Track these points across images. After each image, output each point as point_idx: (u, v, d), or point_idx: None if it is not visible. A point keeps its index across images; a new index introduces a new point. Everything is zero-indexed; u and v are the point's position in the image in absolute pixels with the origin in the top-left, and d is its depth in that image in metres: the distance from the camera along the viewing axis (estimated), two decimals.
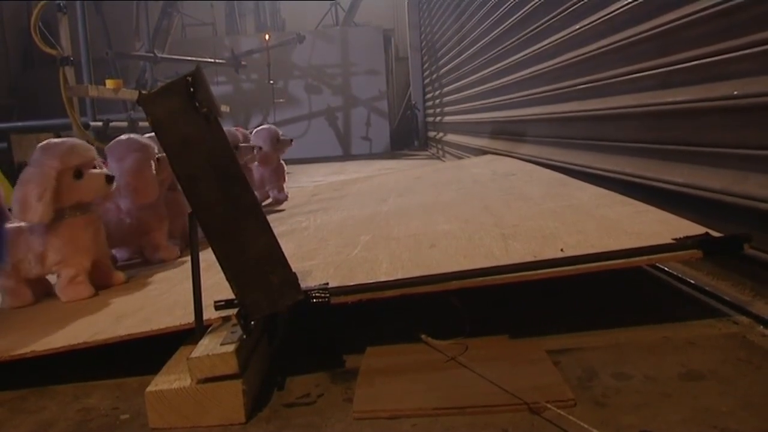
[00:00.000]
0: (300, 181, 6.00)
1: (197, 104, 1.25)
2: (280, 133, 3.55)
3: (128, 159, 2.19)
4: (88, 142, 4.88)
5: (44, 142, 1.93)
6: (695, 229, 1.50)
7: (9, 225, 1.95)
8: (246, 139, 3.33)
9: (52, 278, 2.02)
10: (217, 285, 1.57)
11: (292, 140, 3.63)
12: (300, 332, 1.69)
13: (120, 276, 2.05)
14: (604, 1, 2.55)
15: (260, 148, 3.28)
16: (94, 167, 1.95)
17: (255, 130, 3.54)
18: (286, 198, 3.63)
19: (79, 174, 1.89)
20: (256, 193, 3.42)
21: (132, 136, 2.30)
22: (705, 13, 1.82)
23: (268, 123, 4.43)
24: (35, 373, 1.53)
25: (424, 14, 9.58)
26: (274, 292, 1.29)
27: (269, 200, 3.63)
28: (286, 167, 3.72)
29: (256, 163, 3.39)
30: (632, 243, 1.46)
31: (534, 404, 1.15)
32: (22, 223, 1.94)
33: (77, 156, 1.89)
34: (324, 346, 1.59)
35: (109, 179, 1.95)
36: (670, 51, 2.04)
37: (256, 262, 1.28)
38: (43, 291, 2.02)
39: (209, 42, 11.07)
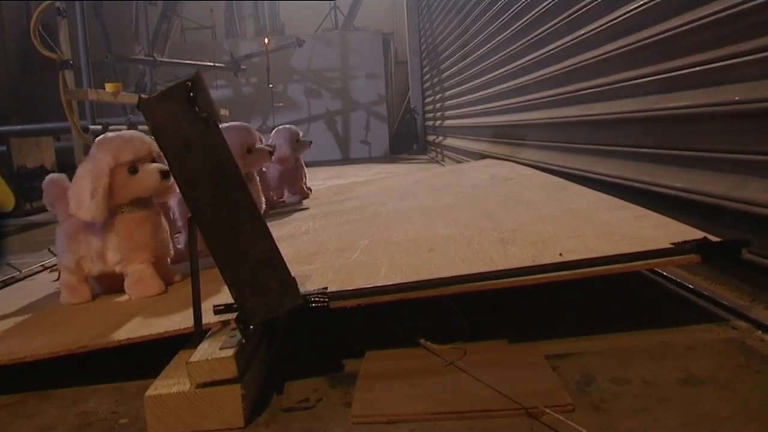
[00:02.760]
0: None
1: (197, 109, 1.25)
2: (300, 134, 3.55)
3: None
4: (87, 145, 4.86)
5: (101, 137, 1.88)
6: (694, 233, 1.50)
7: (70, 220, 1.91)
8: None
9: None
10: (216, 289, 1.57)
11: (311, 142, 3.63)
12: (299, 336, 1.69)
13: (178, 275, 1.98)
14: (607, 8, 2.56)
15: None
16: (154, 160, 1.89)
17: (274, 129, 3.54)
18: (300, 201, 3.63)
19: (134, 169, 1.83)
20: (271, 193, 3.46)
21: None
22: (708, 20, 1.83)
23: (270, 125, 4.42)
24: (35, 376, 1.53)
25: (424, 18, 9.60)
26: (274, 296, 1.29)
27: (282, 199, 3.63)
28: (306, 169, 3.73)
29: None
30: (631, 248, 1.46)
31: (532, 409, 1.15)
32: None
33: (131, 151, 1.83)
34: (323, 351, 1.59)
35: (165, 174, 1.86)
36: (673, 57, 2.05)
37: (255, 266, 1.28)
38: (112, 287, 1.95)
39: (208, 46, 11.07)
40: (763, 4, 1.59)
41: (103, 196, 1.77)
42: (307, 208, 3.30)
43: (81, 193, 1.76)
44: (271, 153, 2.49)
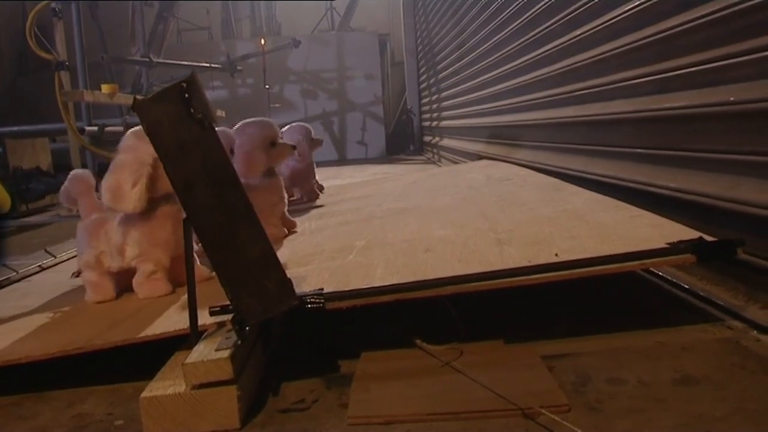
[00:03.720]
0: None
1: (192, 110, 1.25)
2: (312, 131, 3.52)
3: None
4: (83, 146, 4.83)
5: (137, 128, 1.82)
6: (689, 233, 1.51)
7: (92, 216, 1.89)
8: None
9: None
10: (212, 291, 1.57)
11: (322, 141, 3.62)
12: (295, 337, 1.69)
13: (204, 271, 1.89)
14: (602, 9, 2.56)
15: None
16: None
17: (287, 126, 3.49)
18: (313, 199, 3.62)
19: None
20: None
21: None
22: (702, 21, 1.83)
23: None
24: (30, 378, 1.53)
25: (420, 19, 9.60)
26: (269, 297, 1.29)
27: (294, 198, 3.62)
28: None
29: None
30: (626, 248, 1.46)
31: (528, 409, 1.15)
32: (105, 214, 1.88)
33: None
34: (319, 352, 1.59)
35: None
36: (668, 57, 2.05)
37: (251, 267, 1.28)
38: (129, 284, 1.91)
39: (205, 46, 11.06)
40: (758, 5, 1.59)
41: (145, 186, 1.74)
42: (321, 206, 3.28)
43: (120, 184, 1.73)
44: (294, 147, 2.49)
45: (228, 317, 1.32)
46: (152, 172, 1.76)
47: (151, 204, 1.81)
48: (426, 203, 2.71)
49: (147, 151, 1.75)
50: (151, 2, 8.24)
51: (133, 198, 1.73)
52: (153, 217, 1.82)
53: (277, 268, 1.30)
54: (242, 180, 2.24)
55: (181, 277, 1.84)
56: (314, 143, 3.50)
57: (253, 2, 12.72)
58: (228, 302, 1.30)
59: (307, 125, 3.51)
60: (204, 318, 1.39)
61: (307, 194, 3.61)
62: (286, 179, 3.42)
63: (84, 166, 5.15)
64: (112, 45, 7.96)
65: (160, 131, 1.27)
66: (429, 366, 1.38)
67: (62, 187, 2.05)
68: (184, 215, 1.76)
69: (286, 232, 2.49)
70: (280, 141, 2.41)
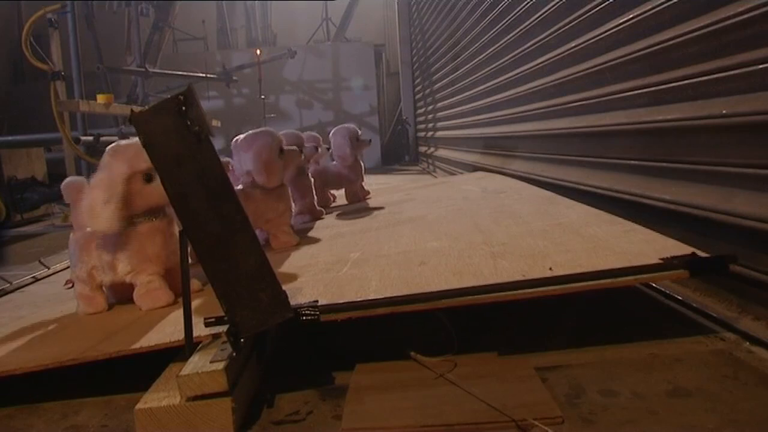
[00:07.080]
0: None
1: (189, 123, 1.26)
2: (359, 132, 3.54)
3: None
4: (78, 156, 4.83)
5: (113, 145, 1.81)
6: (682, 248, 1.51)
7: (83, 231, 1.87)
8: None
9: None
10: (207, 302, 1.57)
11: (370, 141, 3.64)
12: (290, 349, 1.69)
13: (195, 284, 1.87)
14: (596, 21, 2.58)
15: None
16: None
17: (334, 128, 3.52)
18: (366, 196, 3.65)
19: (149, 177, 1.76)
20: (331, 193, 3.52)
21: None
22: (695, 34, 1.85)
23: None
24: (23, 390, 1.52)
25: (416, 30, 9.64)
26: (264, 309, 1.29)
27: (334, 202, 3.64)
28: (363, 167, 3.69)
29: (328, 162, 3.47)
30: (620, 262, 1.47)
31: (522, 421, 1.15)
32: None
33: (146, 159, 1.70)
34: (313, 363, 1.59)
35: None
36: (661, 70, 2.07)
37: (246, 279, 1.29)
38: (126, 296, 1.90)
39: (200, 57, 11.07)
40: (750, 20, 1.61)
41: (117, 206, 1.71)
42: (382, 207, 3.27)
43: (94, 204, 1.71)
44: (301, 153, 2.51)
45: (223, 329, 1.33)
46: (125, 190, 1.73)
47: (139, 219, 1.80)
48: (421, 215, 2.72)
49: (118, 170, 1.73)
50: (146, 11, 8.25)
51: (105, 218, 1.70)
52: (142, 232, 1.81)
53: (272, 279, 1.31)
54: (255, 188, 2.29)
55: (174, 289, 1.85)
56: (360, 144, 3.52)
57: (249, 12, 12.75)
58: (223, 314, 1.31)
59: (353, 127, 3.53)
60: (199, 329, 1.39)
61: (353, 194, 3.63)
62: (333, 178, 3.46)
63: (79, 176, 5.15)
64: (108, 55, 7.97)
65: (157, 143, 1.28)
66: (423, 378, 1.39)
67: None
68: (178, 227, 1.79)
69: (298, 239, 2.49)
70: (287, 147, 2.43)
